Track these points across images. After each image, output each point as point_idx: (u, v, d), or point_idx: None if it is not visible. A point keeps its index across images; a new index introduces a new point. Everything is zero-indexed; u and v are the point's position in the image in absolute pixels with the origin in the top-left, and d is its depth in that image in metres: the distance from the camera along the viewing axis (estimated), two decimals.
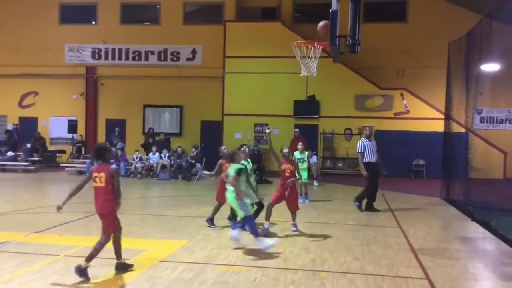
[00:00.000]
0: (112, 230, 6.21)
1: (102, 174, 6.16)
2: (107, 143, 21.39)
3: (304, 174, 12.29)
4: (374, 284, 5.98)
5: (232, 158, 8.02)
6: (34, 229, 8.76)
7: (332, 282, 6.01)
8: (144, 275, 6.12)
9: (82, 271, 5.84)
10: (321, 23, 9.20)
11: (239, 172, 7.62)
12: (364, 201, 11.77)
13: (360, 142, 11.91)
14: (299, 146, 12.91)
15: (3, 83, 24.93)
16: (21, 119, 25.23)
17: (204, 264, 6.67)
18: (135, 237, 8.40)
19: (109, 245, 6.22)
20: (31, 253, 7.13)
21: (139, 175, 18.76)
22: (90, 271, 6.12)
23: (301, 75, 10.93)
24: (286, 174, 8.66)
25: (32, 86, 25.01)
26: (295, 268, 6.60)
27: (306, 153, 12.85)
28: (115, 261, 6.33)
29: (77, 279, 5.81)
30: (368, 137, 11.93)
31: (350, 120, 21.40)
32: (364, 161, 11.66)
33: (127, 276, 6.08)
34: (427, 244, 8.44)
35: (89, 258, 5.97)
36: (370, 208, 11.70)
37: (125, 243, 7.83)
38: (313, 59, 9.56)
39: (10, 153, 20.86)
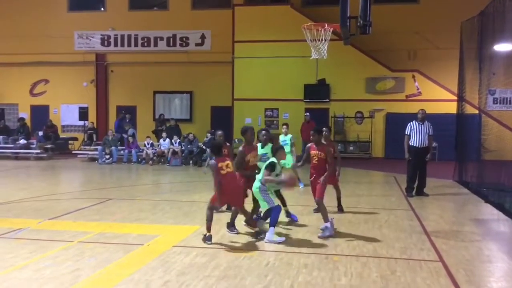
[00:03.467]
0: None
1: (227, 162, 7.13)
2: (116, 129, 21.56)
3: (289, 159, 10.85)
4: (388, 267, 5.96)
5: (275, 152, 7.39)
6: (47, 216, 8.83)
7: (345, 266, 5.99)
8: (157, 260, 6.15)
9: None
10: None
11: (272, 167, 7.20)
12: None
13: (408, 124, 11.47)
14: (284, 128, 12.21)
15: (14, 72, 25.09)
16: (33, 107, 25.42)
17: (217, 249, 6.68)
18: (148, 223, 8.45)
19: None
20: (45, 239, 7.18)
21: (150, 162, 18.82)
22: (108, 256, 6.19)
23: (311, 58, 10.80)
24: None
25: (43, 74, 25.15)
26: (308, 252, 6.58)
27: (290, 136, 12.08)
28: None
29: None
30: (420, 120, 11.32)
31: (361, 103, 21.25)
32: (410, 144, 11.34)
33: (140, 261, 6.11)
34: (441, 226, 8.38)
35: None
36: (420, 193, 11.44)
37: (138, 228, 7.92)
38: (323, 41, 9.44)
39: (23, 141, 21.01)
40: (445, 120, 17.40)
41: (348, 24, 8.31)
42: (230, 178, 6.96)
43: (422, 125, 11.30)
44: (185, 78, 23.83)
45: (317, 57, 10.77)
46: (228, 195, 6.99)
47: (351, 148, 21.34)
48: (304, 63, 20.53)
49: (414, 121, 11.43)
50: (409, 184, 11.53)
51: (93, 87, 24.87)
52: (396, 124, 19.47)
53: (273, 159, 7.26)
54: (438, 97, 20.18)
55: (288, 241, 7.16)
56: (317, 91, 21.38)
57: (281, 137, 11.68)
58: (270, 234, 7.09)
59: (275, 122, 21.88)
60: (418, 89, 20.80)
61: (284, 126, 12.33)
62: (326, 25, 9.25)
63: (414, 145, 11.29)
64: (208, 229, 6.98)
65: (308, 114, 20.09)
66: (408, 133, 11.38)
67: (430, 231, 7.88)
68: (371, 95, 21.21)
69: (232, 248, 6.75)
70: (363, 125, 21.36)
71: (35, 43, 24.27)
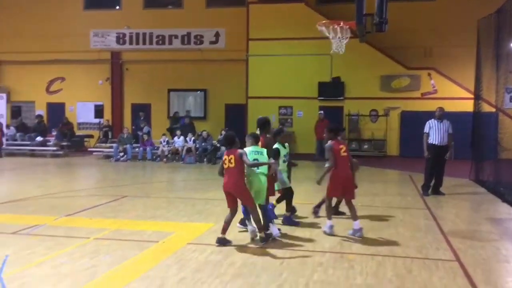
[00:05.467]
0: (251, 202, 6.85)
1: (232, 156, 6.73)
2: (133, 127, 21.76)
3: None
4: (403, 267, 5.92)
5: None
6: (64, 212, 8.92)
7: (360, 264, 5.96)
8: (172, 258, 6.17)
9: (268, 235, 6.87)
10: None
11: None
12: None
13: (427, 122, 11.35)
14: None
15: (31, 70, 25.36)
16: (49, 104, 25.68)
17: (232, 247, 6.68)
18: (163, 220, 8.49)
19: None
20: (61, 236, 7.26)
21: (164, 159, 18.90)
22: (123, 253, 6.24)
23: (331, 51, 10.66)
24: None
25: (59, 72, 25.39)
26: (323, 250, 6.57)
27: None
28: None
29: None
30: (438, 118, 11.23)
31: (376, 101, 21.11)
32: (429, 142, 11.23)
33: (155, 258, 6.15)
34: (457, 226, 8.30)
35: (261, 229, 6.81)
36: (436, 192, 11.33)
37: (152, 226, 7.96)
38: (343, 38, 9.36)
39: (39, 138, 21.24)
40: (461, 119, 17.16)
41: (364, 21, 8.25)
42: (229, 173, 6.79)
43: (441, 123, 11.18)
44: (199, 76, 23.88)
45: (336, 51, 10.63)
46: (226, 193, 6.86)
47: (366, 146, 21.22)
48: (318, 61, 20.51)
49: (433, 119, 11.31)
50: (426, 183, 11.43)
51: (108, 85, 25.04)
52: (411, 122, 19.34)
53: (276, 146, 7.66)
54: (454, 95, 19.97)
55: (302, 239, 7.15)
56: (331, 89, 21.27)
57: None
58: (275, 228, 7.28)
59: (289, 120, 21.86)
60: (434, 87, 20.61)
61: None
62: (341, 23, 9.18)
63: (434, 143, 11.17)
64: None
65: (322, 112, 20.07)
66: (427, 131, 11.27)
67: (446, 230, 7.81)
68: (386, 93, 21.05)
69: (247, 246, 6.75)
70: (378, 123, 21.22)
71: (52, 42, 24.48)
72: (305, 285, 5.26)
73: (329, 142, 7.44)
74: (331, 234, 7.29)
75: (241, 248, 6.64)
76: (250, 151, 7.01)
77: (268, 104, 21.78)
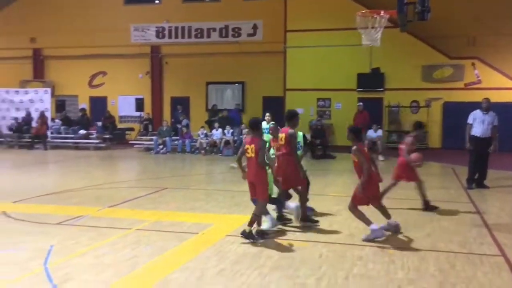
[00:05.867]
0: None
1: (253, 146, 6.60)
2: (173, 120, 22.02)
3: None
4: (447, 261, 5.78)
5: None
6: (106, 203, 9.13)
7: (401, 259, 5.85)
8: (211, 249, 6.23)
9: (253, 235, 6.55)
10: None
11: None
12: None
13: (471, 113, 11.02)
14: (267, 117, 10.92)
15: (74, 64, 26.01)
16: (91, 98, 26.29)
17: (270, 239, 6.68)
18: (202, 212, 8.57)
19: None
20: (104, 226, 7.43)
21: (202, 151, 19.07)
22: (164, 244, 6.34)
23: (362, 45, 10.49)
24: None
25: (101, 66, 25.93)
26: (362, 244, 6.48)
27: (272, 123, 9.97)
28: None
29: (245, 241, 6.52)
30: (485, 109, 10.85)
31: (416, 92, 20.64)
32: (471, 133, 10.90)
33: (195, 250, 6.21)
34: (502, 220, 8.04)
35: (251, 223, 6.63)
36: (480, 185, 11.02)
37: (192, 217, 8.04)
38: (378, 29, 9.17)
39: (82, 131, 21.79)
40: (507, 109, 16.65)
41: (405, 10, 8.05)
42: (250, 163, 6.68)
43: (486, 115, 10.81)
44: (237, 68, 23.93)
45: (369, 44, 10.47)
46: (249, 183, 6.79)
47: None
48: (357, 52, 20.14)
49: (478, 110, 10.96)
50: (470, 176, 11.10)
51: (148, 78, 25.43)
52: (454, 114, 18.84)
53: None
54: (499, 85, 19.31)
55: (341, 233, 7.08)
56: (370, 80, 20.93)
57: (264, 124, 10.25)
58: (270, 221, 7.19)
59: (327, 112, 21.67)
60: (478, 77, 19.98)
61: (267, 114, 11.25)
62: (382, 12, 8.98)
63: (476, 135, 10.82)
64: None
65: (361, 104, 19.75)
66: (471, 122, 10.94)
67: (490, 224, 7.58)
68: (428, 84, 20.55)
69: (284, 239, 6.73)
70: (419, 114, 20.73)
71: (93, 36, 24.98)
72: (345, 279, 5.21)
73: (356, 146, 6.80)
74: (383, 235, 6.72)
75: (279, 242, 6.63)
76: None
77: (306, 96, 21.64)
